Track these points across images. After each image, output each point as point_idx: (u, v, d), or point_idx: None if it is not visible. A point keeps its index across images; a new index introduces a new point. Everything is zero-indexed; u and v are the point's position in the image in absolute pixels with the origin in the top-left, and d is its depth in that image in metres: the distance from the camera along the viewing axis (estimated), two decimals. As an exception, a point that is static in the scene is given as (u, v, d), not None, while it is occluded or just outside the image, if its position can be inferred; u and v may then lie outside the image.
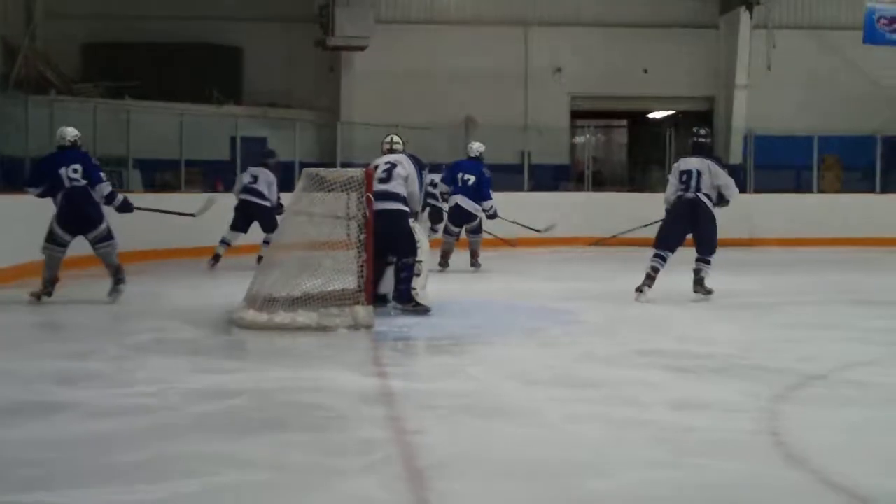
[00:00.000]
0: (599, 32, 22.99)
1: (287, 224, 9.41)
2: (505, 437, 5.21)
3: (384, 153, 10.20)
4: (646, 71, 23.18)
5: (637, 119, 26.57)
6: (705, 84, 23.44)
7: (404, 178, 9.81)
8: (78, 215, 10.29)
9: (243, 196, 14.61)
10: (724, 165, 10.98)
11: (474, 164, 14.20)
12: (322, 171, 9.70)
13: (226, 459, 4.70)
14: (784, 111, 22.27)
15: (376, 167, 9.83)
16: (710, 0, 23.50)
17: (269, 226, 13.77)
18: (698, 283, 10.76)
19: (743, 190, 20.85)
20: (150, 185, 18.57)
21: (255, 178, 14.64)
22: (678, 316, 9.89)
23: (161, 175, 18.95)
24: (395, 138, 10.41)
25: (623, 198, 20.86)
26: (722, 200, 10.77)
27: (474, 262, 14.37)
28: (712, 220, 10.72)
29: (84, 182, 10.30)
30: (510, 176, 20.15)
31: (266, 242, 13.50)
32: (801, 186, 21.70)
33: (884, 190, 20.73)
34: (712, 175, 10.64)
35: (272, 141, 20.58)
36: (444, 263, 13.91)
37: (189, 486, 4.32)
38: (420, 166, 10.23)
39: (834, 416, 5.75)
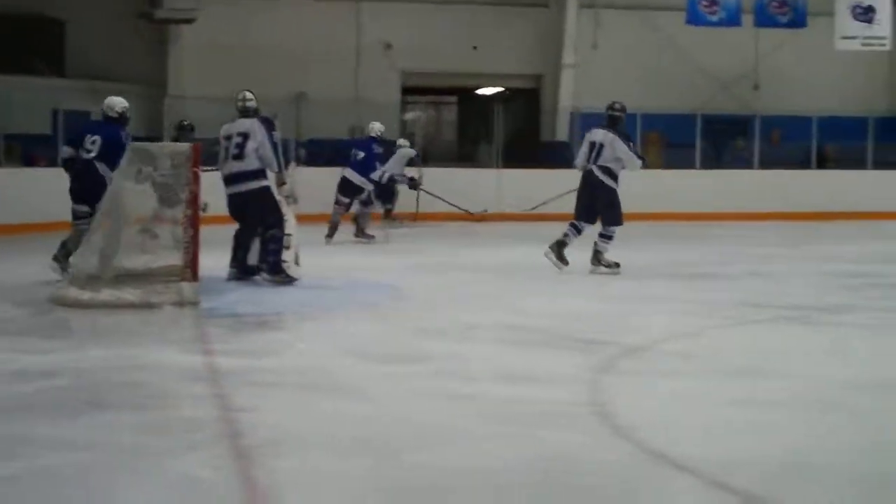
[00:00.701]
0: (430, 9, 23.01)
1: (112, 199, 9.17)
2: (334, 413, 5.18)
3: (238, 111, 10.10)
4: (475, 48, 23.31)
5: (467, 96, 26.73)
6: (534, 62, 23.71)
7: (255, 150, 9.77)
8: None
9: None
10: (628, 139, 11.25)
11: (367, 141, 15.21)
12: (148, 145, 9.50)
13: (47, 441, 4.56)
14: (609, 89, 22.52)
15: (228, 138, 9.84)
16: (539, -22, 23.76)
17: None
18: (595, 256, 11.04)
19: (568, 167, 21.35)
20: (-34, 159, 17.88)
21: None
22: (508, 290, 10.00)
23: (-23, 148, 18.27)
24: (248, 95, 10.25)
25: (454, 173, 21.00)
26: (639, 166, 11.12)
27: (360, 234, 14.92)
28: (608, 191, 10.97)
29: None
30: (341, 150, 20.07)
31: None
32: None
33: (703, 166, 21.34)
34: (614, 149, 10.94)
35: (97, 114, 20.03)
36: (330, 235, 14.41)
37: (9, 468, 4.18)
38: (270, 127, 10.18)
39: (657, 387, 5.90)
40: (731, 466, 4.30)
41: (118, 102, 10.29)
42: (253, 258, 10.00)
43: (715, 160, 22.12)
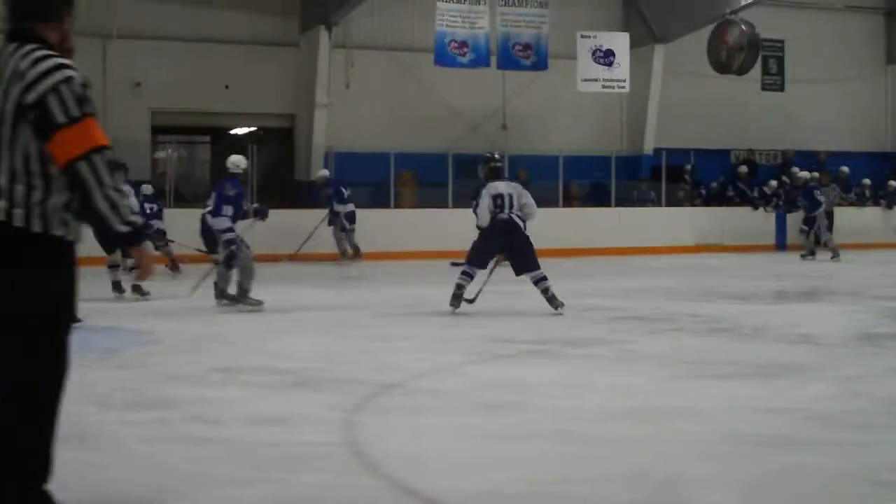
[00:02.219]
0: (181, 47, 22.68)
1: None
2: (82, 462, 4.99)
3: None
4: (227, 87, 23.12)
5: (220, 135, 26.46)
6: (287, 101, 23.68)
7: None
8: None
9: None
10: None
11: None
12: None
13: None
14: (363, 128, 22.89)
15: None
16: (291, 18, 23.77)
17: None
18: (551, 300, 11.28)
19: (324, 206, 21.43)
20: None
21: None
22: (258, 332, 9.94)
23: None
24: None
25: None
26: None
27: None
28: (526, 238, 11.42)
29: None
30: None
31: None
32: (380, 202, 22.38)
33: (455, 204, 21.71)
34: (518, 196, 11.41)
35: None
36: None
37: None
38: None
39: (409, 424, 5.98)
40: (479, 499, 4.39)
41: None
42: None
43: (469, 198, 22.54)
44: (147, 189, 17.17)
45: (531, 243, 11.47)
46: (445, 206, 21.80)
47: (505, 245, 11.44)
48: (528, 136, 23.91)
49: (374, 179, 22.26)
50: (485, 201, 11.44)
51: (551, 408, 6.38)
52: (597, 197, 24.25)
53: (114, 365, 8.14)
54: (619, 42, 22.73)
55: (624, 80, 22.61)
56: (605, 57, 22.42)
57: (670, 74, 24.74)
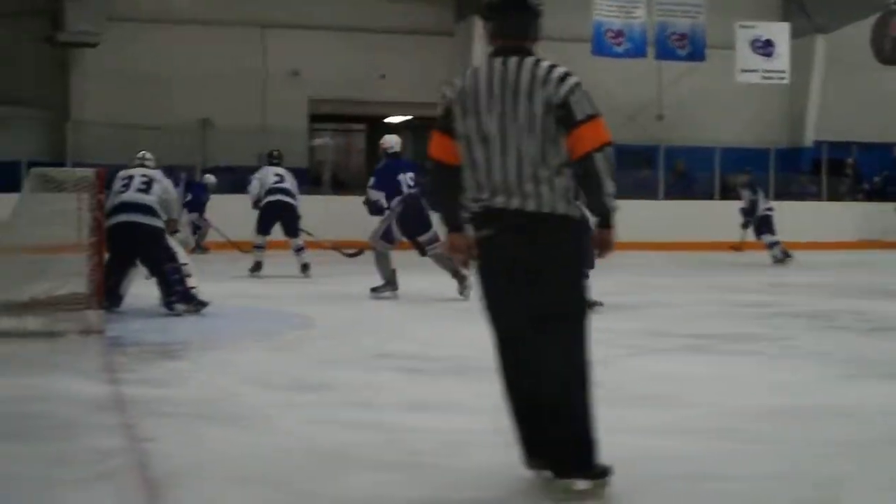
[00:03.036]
0: (338, 36, 23.03)
1: (13, 226, 9.03)
2: (239, 442, 5.15)
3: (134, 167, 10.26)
4: (384, 76, 23.38)
5: (375, 123, 26.77)
6: (441, 90, 23.81)
7: (158, 194, 9.85)
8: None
9: (276, 197, 14.03)
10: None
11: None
12: (51, 171, 9.41)
13: (-53, 473, 4.49)
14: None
15: (130, 177, 9.95)
16: (445, 7, 23.91)
17: (295, 229, 13.54)
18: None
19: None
20: None
21: (282, 177, 14.15)
22: (414, 318, 10.03)
23: None
24: (147, 154, 10.53)
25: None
26: None
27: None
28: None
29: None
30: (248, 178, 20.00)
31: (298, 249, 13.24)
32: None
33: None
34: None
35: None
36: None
37: None
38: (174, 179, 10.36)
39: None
40: (639, 493, 4.41)
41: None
42: (124, 288, 9.83)
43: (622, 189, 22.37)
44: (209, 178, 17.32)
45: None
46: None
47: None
48: (685, 127, 23.59)
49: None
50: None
51: (710, 404, 6.28)
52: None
53: (271, 347, 8.34)
54: (779, 32, 22.25)
55: (784, 72, 22.12)
56: (765, 47, 21.97)
57: (831, 65, 24.10)
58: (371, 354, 7.88)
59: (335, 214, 19.44)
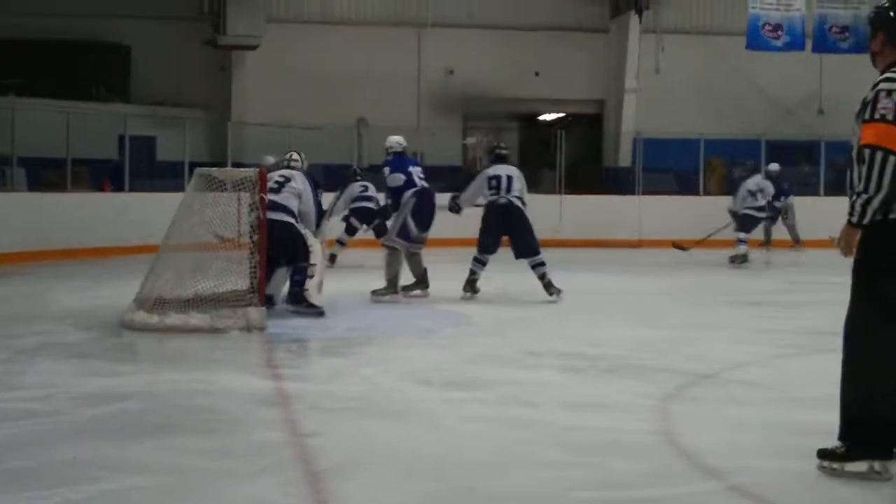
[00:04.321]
0: (491, 35, 23.09)
1: (179, 224, 9.28)
2: (400, 438, 5.20)
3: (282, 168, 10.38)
4: (537, 73, 23.35)
5: (528, 121, 26.76)
6: (595, 87, 23.73)
7: (296, 194, 9.85)
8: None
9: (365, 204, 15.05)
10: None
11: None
12: (214, 170, 9.62)
13: (117, 464, 4.62)
14: (672, 114, 22.62)
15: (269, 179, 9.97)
16: (600, 4, 23.78)
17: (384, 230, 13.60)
18: (548, 286, 10.81)
19: (631, 192, 21.31)
20: (36, 184, 18.13)
21: (367, 188, 15.11)
22: (567, 316, 9.97)
23: (46, 173, 18.53)
24: (294, 156, 10.61)
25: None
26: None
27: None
28: (527, 221, 10.94)
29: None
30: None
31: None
32: (689, 188, 22.06)
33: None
34: (521, 180, 11.01)
35: (162, 140, 20.36)
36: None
37: (80, 492, 4.23)
38: (315, 185, 10.33)
39: (724, 415, 5.86)
40: (794, 489, 4.36)
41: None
42: (271, 288, 9.79)
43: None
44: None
45: (531, 226, 10.91)
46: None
47: (505, 229, 10.93)
48: (848, 122, 22.90)
49: (683, 166, 21.99)
50: (475, 184, 11.13)
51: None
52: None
53: (432, 344, 8.41)
54: (949, 21, 21.44)
55: (951, 61, 21.32)
56: (931, 36, 21.21)
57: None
58: (529, 352, 7.87)
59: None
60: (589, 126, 24.40)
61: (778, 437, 5.32)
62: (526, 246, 10.88)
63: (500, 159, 11.26)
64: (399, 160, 11.45)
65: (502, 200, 10.86)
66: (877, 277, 4.44)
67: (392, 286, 11.03)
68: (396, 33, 22.91)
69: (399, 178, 11.18)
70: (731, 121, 22.58)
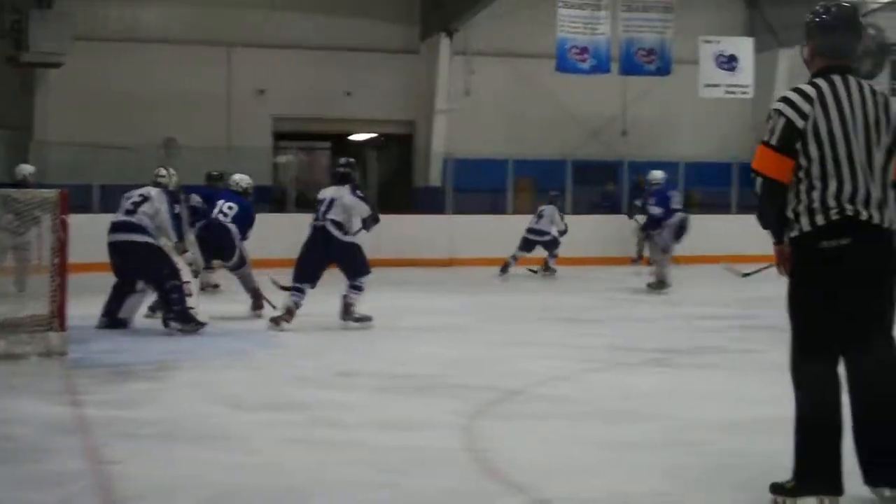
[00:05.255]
0: (303, 55, 22.96)
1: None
2: (211, 463, 5.11)
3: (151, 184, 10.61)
4: (349, 94, 23.35)
5: (340, 141, 26.73)
6: (406, 108, 23.83)
7: (151, 214, 9.95)
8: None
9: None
10: (359, 192, 10.94)
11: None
12: (13, 192, 9.32)
13: None
14: (482, 135, 22.91)
15: (128, 197, 10.21)
16: (411, 26, 23.93)
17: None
18: (346, 311, 10.54)
19: (441, 212, 21.48)
20: None
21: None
22: (382, 337, 9.98)
23: None
24: (161, 171, 10.93)
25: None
26: (371, 223, 10.87)
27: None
28: (343, 245, 10.55)
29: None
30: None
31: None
32: (497, 208, 22.37)
33: (575, 212, 21.54)
34: (344, 202, 10.60)
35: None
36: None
37: None
38: (173, 199, 10.37)
39: (530, 430, 5.95)
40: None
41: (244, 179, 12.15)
42: (125, 312, 10.04)
43: (586, 205, 22.42)
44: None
45: (352, 251, 10.60)
46: (564, 213, 21.65)
47: (325, 254, 10.61)
48: (649, 143, 23.65)
49: (491, 186, 22.29)
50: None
51: (673, 417, 6.30)
52: (716, 204, 23.82)
53: (243, 367, 8.29)
54: (743, 47, 22.36)
55: (747, 86, 22.23)
56: (728, 62, 22.08)
57: (795, 79, 24.22)
58: (341, 373, 7.86)
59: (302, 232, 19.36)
60: (400, 146, 24.51)
61: (584, 450, 5.43)
62: (350, 270, 10.55)
63: (336, 178, 11.19)
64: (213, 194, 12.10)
65: (318, 223, 10.60)
66: (793, 293, 4.41)
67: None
68: (206, 52, 22.55)
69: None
70: (539, 142, 22.99)
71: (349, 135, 25.80)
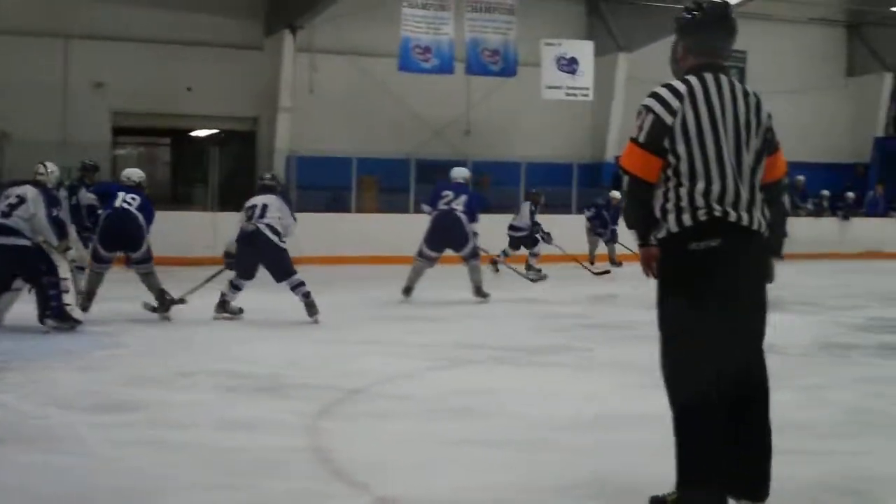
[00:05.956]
0: (144, 48, 22.51)
1: None
2: (39, 465, 4.98)
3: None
4: (190, 89, 22.99)
5: (181, 137, 26.34)
6: (249, 104, 23.59)
7: (27, 217, 9.77)
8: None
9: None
10: (288, 200, 11.67)
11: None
12: None
13: None
14: (326, 133, 22.83)
15: (7, 196, 9.97)
16: (255, 22, 23.69)
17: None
18: (310, 307, 10.92)
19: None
20: None
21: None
22: (222, 336, 9.87)
23: None
24: (40, 168, 10.68)
25: (167, 216, 20.53)
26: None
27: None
28: (275, 247, 10.97)
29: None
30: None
31: None
32: (340, 206, 22.32)
33: (416, 210, 21.60)
34: (278, 208, 11.12)
35: None
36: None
37: None
38: (51, 200, 10.29)
39: (374, 429, 5.96)
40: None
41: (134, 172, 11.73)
42: None
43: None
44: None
45: (282, 251, 11.07)
46: (406, 212, 21.75)
47: (255, 255, 11.08)
48: (492, 143, 23.94)
49: (335, 184, 22.23)
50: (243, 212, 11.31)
51: (516, 414, 6.38)
52: (557, 204, 24.20)
53: (76, 367, 8.06)
54: (584, 50, 22.80)
55: (587, 89, 22.68)
56: (569, 65, 22.50)
57: (634, 83, 24.80)
58: (182, 373, 7.71)
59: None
60: (243, 143, 24.25)
61: (428, 448, 5.46)
62: (280, 270, 11.02)
63: (263, 190, 11.49)
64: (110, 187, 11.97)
65: (250, 227, 10.94)
66: (661, 296, 4.24)
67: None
68: (43, 43, 21.94)
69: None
70: (382, 140, 23.05)
71: (190, 131, 25.45)
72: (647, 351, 4.52)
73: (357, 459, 5.17)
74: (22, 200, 9.84)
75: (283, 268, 11.05)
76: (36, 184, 10.25)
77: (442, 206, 13.25)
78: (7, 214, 9.75)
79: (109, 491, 4.58)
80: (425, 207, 13.74)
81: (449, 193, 13.31)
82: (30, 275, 9.75)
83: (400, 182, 22.06)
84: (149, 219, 11.25)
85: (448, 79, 22.22)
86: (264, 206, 11.09)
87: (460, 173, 13.85)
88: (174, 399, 6.74)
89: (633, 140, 4.26)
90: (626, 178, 4.28)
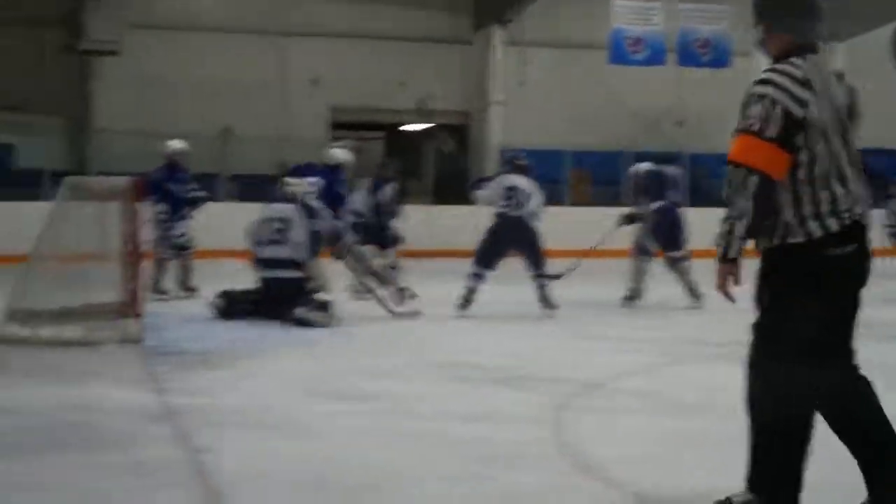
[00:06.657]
0: (358, 44, 23.01)
1: (48, 234, 8.98)
2: (294, 453, 5.10)
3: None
4: (402, 84, 23.36)
5: (394, 131, 26.75)
6: (460, 99, 23.82)
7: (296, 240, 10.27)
8: None
9: None
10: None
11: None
12: (85, 179, 9.38)
13: (3, 484, 4.45)
14: (537, 126, 22.83)
15: (269, 220, 10.35)
16: (464, 16, 23.89)
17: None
18: (543, 300, 10.80)
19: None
20: None
21: None
22: (453, 329, 9.95)
23: None
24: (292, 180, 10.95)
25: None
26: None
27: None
28: (535, 235, 10.91)
29: None
30: (268, 187, 19.92)
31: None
32: (553, 200, 22.26)
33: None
34: (537, 193, 10.96)
35: (19, 148, 19.78)
36: None
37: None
38: (310, 213, 10.51)
39: (618, 424, 5.91)
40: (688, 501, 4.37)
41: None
42: None
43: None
44: None
45: (540, 239, 10.94)
46: (620, 205, 21.53)
47: (512, 242, 10.88)
48: (707, 135, 23.48)
49: (547, 177, 22.21)
50: (492, 187, 11.02)
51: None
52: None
53: (313, 355, 8.29)
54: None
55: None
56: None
57: (847, 73, 23.96)
58: (413, 364, 7.84)
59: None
60: (455, 137, 24.49)
61: (670, 445, 5.38)
62: (537, 259, 10.86)
63: (519, 170, 11.28)
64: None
65: (515, 214, 10.80)
66: (784, 306, 3.90)
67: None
68: (262, 41, 22.65)
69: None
70: (594, 133, 22.92)
71: (403, 125, 25.81)
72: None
73: (603, 454, 5.11)
74: (288, 223, 10.26)
75: (540, 256, 10.83)
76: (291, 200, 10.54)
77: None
78: (279, 242, 10.18)
79: (354, 477, 4.64)
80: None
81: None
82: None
83: (612, 175, 21.89)
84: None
85: (660, 70, 21.95)
86: (528, 194, 10.87)
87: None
88: (406, 389, 6.84)
89: (753, 133, 3.72)
90: (751, 178, 3.70)
